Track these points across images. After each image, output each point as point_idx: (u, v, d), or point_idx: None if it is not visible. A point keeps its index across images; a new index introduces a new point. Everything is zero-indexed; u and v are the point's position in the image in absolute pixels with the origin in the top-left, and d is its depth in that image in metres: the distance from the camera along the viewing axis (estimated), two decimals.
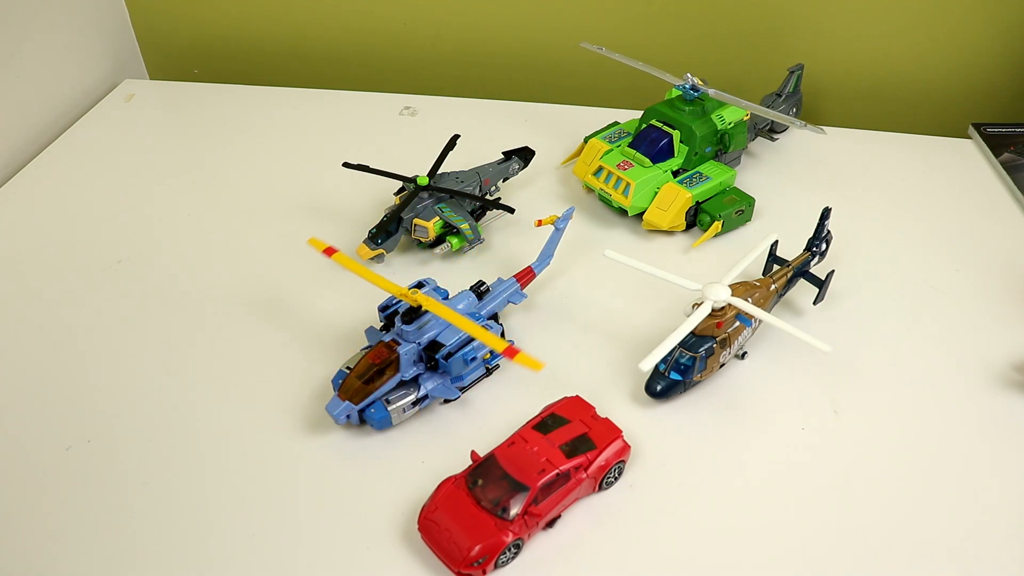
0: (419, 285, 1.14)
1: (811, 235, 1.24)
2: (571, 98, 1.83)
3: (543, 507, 0.94)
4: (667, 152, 1.41)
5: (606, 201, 1.44)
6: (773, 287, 1.18)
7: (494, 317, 1.19)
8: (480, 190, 1.41)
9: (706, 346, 1.09)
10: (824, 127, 1.45)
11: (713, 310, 1.07)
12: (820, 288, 1.23)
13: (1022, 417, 1.10)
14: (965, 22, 1.68)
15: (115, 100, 1.80)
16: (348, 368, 1.08)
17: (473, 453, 0.99)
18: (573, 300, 1.28)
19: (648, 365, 1.00)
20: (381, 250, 1.33)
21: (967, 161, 1.61)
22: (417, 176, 1.35)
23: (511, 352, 0.97)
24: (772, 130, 1.60)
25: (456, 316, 1.03)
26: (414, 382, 1.08)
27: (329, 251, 1.15)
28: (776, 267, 1.26)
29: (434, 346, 1.08)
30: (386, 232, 1.32)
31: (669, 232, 1.41)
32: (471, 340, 1.09)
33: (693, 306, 1.07)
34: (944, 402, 1.13)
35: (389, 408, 1.05)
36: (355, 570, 0.93)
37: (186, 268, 1.35)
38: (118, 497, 1.00)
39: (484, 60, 1.89)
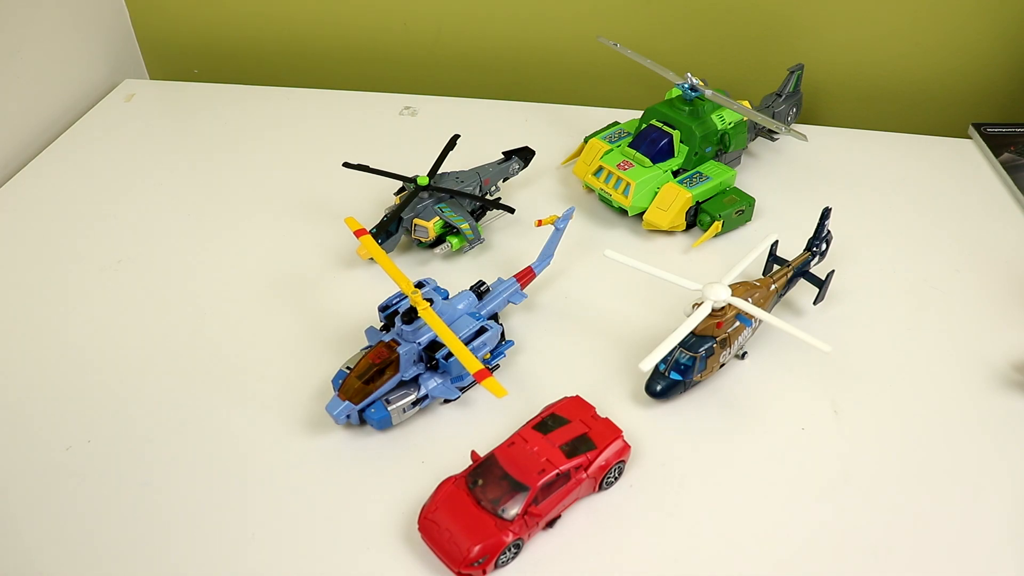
0: (419, 285, 1.14)
1: (811, 235, 1.24)
2: (571, 98, 1.83)
3: (543, 507, 0.94)
4: (667, 152, 1.41)
5: (606, 201, 1.44)
6: (773, 287, 1.18)
7: (494, 317, 1.19)
8: (480, 190, 1.41)
9: (706, 346, 1.09)
10: (807, 133, 1.46)
11: (713, 310, 1.07)
12: (820, 288, 1.23)
13: (1022, 417, 1.10)
14: (965, 22, 1.68)
15: (115, 100, 1.80)
16: (348, 368, 1.08)
17: (473, 453, 0.99)
18: (573, 300, 1.28)
19: (648, 365, 1.00)
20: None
21: (967, 161, 1.61)
22: (417, 176, 1.35)
23: (481, 375, 1.00)
24: (772, 130, 1.60)
25: (446, 331, 1.03)
26: (414, 382, 1.08)
27: (360, 232, 1.20)
28: (776, 267, 1.26)
29: (434, 346, 1.08)
30: (386, 232, 1.32)
31: (669, 232, 1.41)
32: (471, 340, 1.09)
33: (693, 306, 1.07)
34: (944, 402, 1.13)
35: (389, 408, 1.05)
36: (355, 570, 0.93)
37: (186, 268, 1.35)
38: (118, 497, 1.00)
39: (484, 60, 1.89)
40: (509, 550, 0.92)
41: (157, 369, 1.17)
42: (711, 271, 1.27)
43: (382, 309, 1.13)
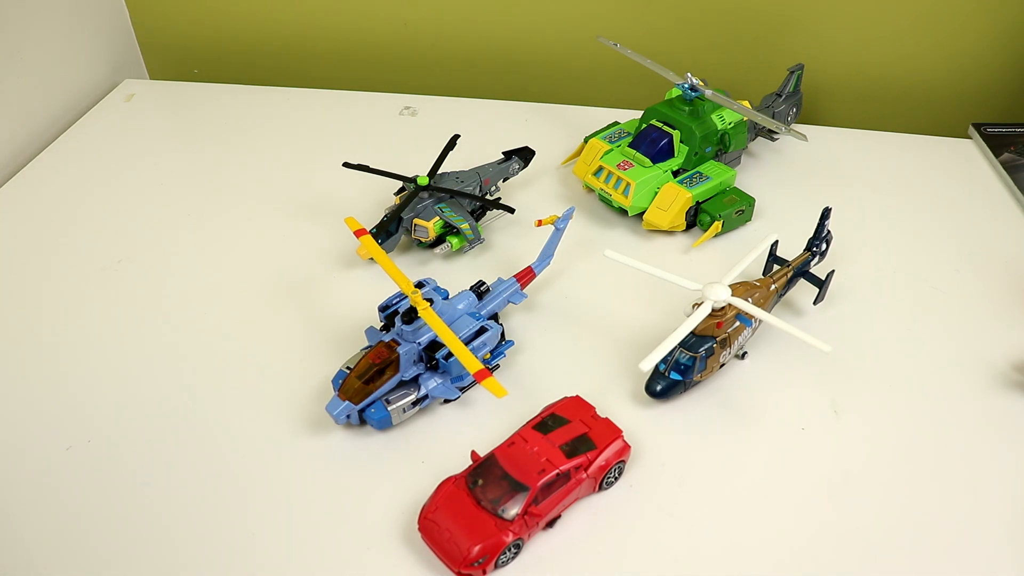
0: (419, 285, 1.14)
1: (811, 235, 1.24)
2: (571, 98, 1.83)
3: (543, 507, 0.94)
4: (667, 152, 1.41)
5: (606, 201, 1.44)
6: (773, 287, 1.18)
7: (494, 317, 1.19)
8: (480, 190, 1.41)
9: (706, 346, 1.09)
10: (807, 133, 1.46)
11: (713, 310, 1.07)
12: (820, 288, 1.23)
13: (1022, 417, 1.10)
14: (965, 23, 1.68)
15: (115, 100, 1.80)
16: (348, 368, 1.08)
17: (473, 453, 0.99)
18: (573, 300, 1.28)
19: (648, 365, 1.00)
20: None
21: (967, 161, 1.61)
22: (417, 176, 1.35)
23: (481, 375, 1.00)
24: (772, 130, 1.60)
25: (446, 331, 1.03)
26: (414, 382, 1.08)
27: (360, 232, 1.20)
28: (776, 267, 1.26)
29: (434, 346, 1.08)
30: (386, 232, 1.32)
31: (669, 232, 1.41)
32: (471, 340, 1.09)
33: (693, 306, 1.07)
34: (944, 402, 1.13)
35: (389, 408, 1.05)
36: (355, 570, 0.93)
37: (186, 268, 1.35)
38: (118, 497, 1.00)
39: (484, 60, 1.89)
40: (509, 550, 0.92)
41: (157, 369, 1.17)
42: (711, 271, 1.27)
43: (382, 309, 1.13)
